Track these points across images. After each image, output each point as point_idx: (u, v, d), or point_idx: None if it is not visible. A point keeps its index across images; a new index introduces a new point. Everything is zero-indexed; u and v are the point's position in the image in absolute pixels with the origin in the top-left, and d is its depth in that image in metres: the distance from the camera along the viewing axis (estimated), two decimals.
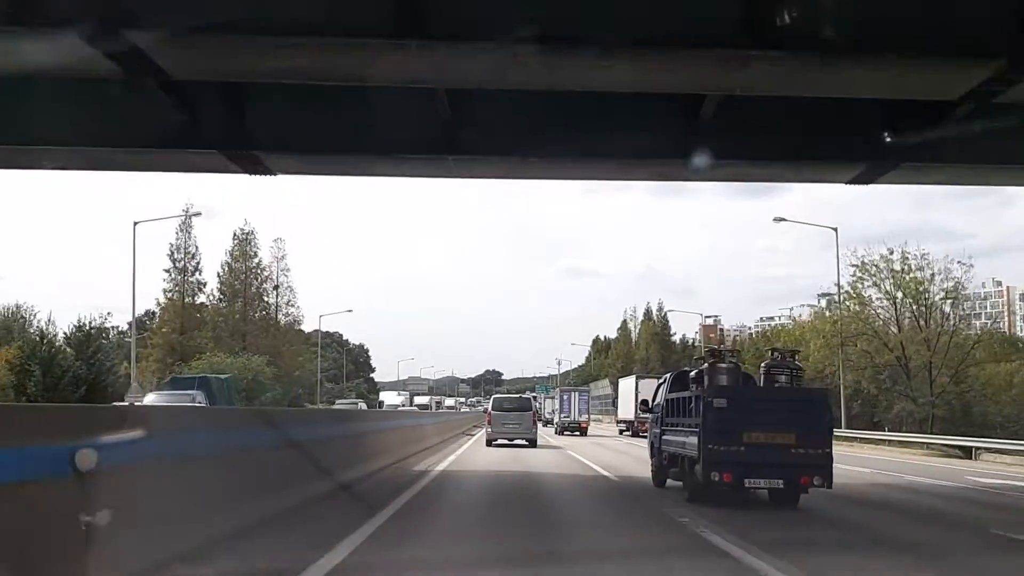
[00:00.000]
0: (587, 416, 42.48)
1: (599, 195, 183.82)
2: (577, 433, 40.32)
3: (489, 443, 26.81)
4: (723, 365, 11.23)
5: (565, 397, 43.75)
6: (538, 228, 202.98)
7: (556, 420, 44.16)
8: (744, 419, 10.03)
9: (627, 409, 41.31)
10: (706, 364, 11.45)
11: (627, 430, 41.42)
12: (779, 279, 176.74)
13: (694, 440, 10.39)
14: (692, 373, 12.07)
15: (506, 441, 26.91)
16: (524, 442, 26.81)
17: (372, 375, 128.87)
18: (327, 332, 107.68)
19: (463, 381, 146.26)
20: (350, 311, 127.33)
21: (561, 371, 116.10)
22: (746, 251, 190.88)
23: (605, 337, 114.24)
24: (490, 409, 28.77)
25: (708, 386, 10.73)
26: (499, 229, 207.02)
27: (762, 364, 11.70)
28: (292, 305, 63.84)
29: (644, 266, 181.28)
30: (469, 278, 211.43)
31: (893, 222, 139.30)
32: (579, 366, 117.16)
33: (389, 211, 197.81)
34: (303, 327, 66.58)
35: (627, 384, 43.64)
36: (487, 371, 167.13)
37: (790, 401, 10.70)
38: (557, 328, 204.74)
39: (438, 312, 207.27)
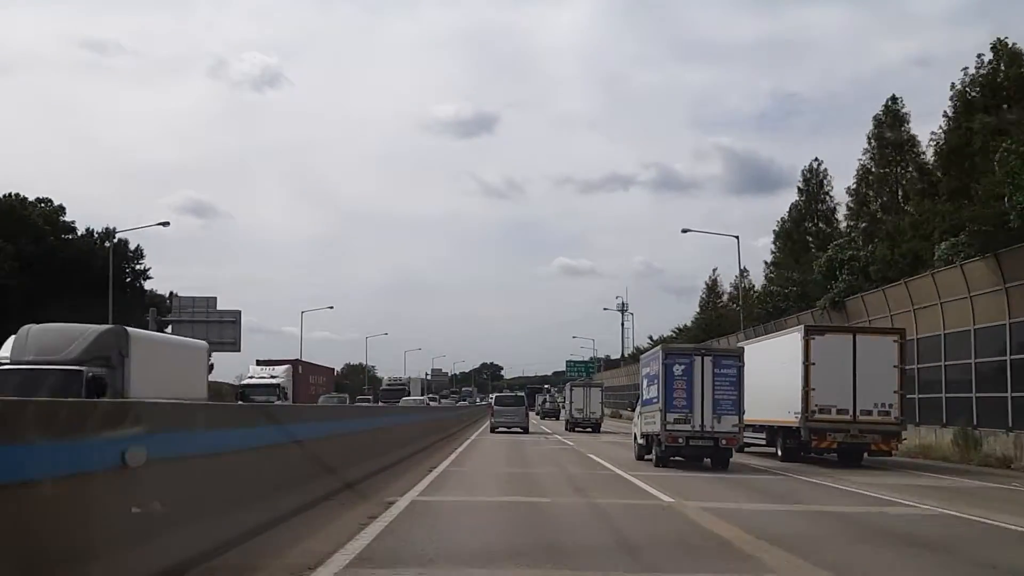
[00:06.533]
0: (737, 417, 17.36)
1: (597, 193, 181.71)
2: (709, 461, 17.65)
3: (493, 430, 34.38)
4: None
5: (679, 370, 17.43)
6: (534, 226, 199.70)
7: (649, 426, 18.32)
8: None
9: (783, 400, 19.44)
10: None
11: (771, 444, 20.85)
12: None
13: None
14: None
15: (504, 429, 34.13)
16: (519, 429, 34.21)
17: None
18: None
19: (440, 373, 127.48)
20: None
21: (578, 360, 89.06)
22: (750, 248, 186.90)
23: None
24: (493, 404, 38.06)
25: None
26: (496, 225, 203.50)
27: None
28: None
29: (643, 264, 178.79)
30: (465, 275, 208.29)
31: None
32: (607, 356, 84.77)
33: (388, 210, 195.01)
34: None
35: (785, 346, 20.15)
36: (483, 364, 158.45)
37: None
38: (558, 328, 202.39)
39: (433, 305, 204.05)
